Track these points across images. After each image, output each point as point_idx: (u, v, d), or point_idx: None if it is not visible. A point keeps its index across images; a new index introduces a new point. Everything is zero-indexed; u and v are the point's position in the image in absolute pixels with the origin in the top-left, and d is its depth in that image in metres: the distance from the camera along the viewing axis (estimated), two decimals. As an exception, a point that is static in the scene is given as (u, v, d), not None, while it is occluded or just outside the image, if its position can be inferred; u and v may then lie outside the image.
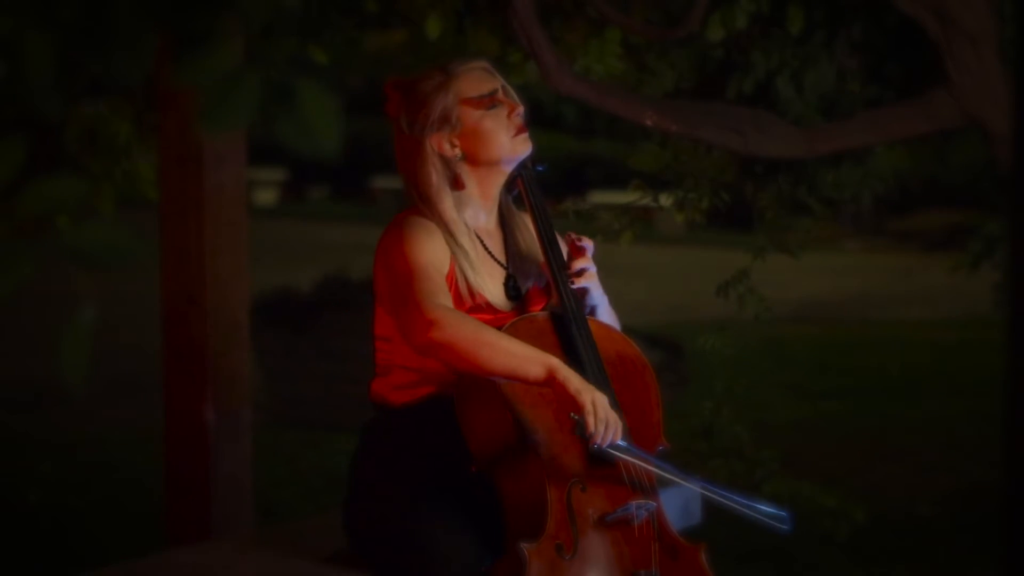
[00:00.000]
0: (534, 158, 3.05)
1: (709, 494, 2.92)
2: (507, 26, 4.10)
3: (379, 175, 21.17)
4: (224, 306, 4.13)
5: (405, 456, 2.92)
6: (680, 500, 3.42)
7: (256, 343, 6.16)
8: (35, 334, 5.32)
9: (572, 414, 2.75)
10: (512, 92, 2.99)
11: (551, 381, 2.72)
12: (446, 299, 2.79)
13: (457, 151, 2.92)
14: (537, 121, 3.18)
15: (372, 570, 2.92)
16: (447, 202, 2.92)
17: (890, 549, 5.90)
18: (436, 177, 2.92)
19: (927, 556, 5.88)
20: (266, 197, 22.18)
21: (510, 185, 3.04)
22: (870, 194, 4.61)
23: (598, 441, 2.74)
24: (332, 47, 4.71)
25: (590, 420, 2.71)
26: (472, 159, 2.93)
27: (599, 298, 3.02)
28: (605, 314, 3.04)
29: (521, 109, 2.96)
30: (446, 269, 2.87)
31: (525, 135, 2.96)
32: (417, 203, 2.95)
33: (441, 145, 2.92)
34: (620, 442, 2.79)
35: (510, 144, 2.94)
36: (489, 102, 2.92)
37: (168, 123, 4.15)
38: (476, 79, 2.94)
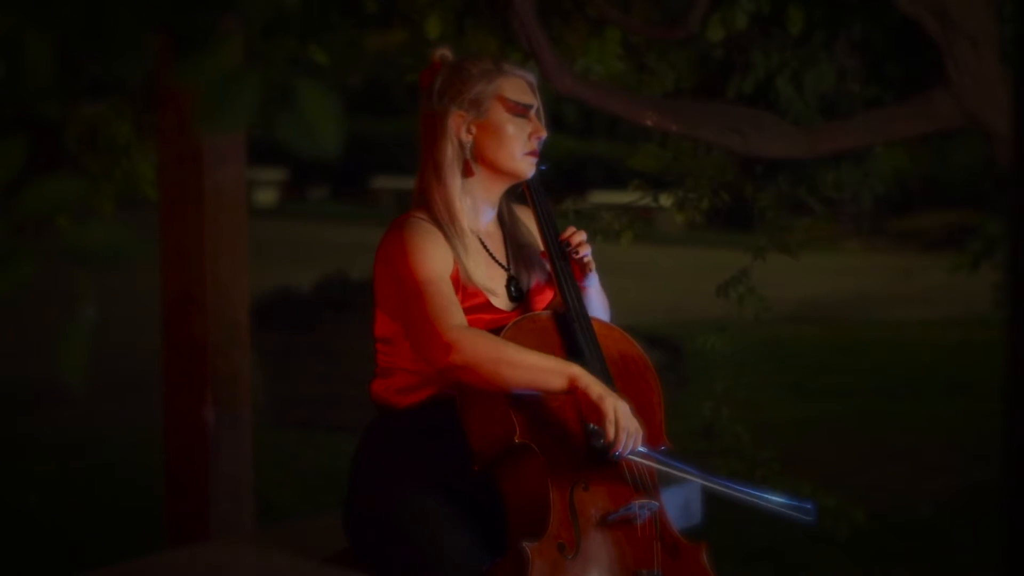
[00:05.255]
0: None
1: (733, 492, 2.89)
2: (507, 26, 4.10)
3: (379, 175, 21.15)
4: (224, 306, 4.13)
5: (405, 456, 2.92)
6: (681, 500, 3.42)
7: (256, 343, 6.15)
8: (35, 334, 5.32)
9: (590, 425, 2.73)
10: (543, 118, 3.00)
11: (573, 390, 2.73)
12: (458, 313, 2.79)
13: (471, 139, 2.93)
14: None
15: (372, 570, 2.92)
16: (455, 181, 2.93)
17: (890, 549, 5.90)
18: (451, 153, 2.93)
19: (927, 556, 5.88)
20: (266, 197, 22.18)
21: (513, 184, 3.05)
22: (870, 194, 4.61)
23: (619, 450, 2.73)
24: (332, 47, 4.71)
25: (610, 429, 2.71)
26: (480, 154, 2.93)
27: (592, 280, 3.03)
28: (596, 295, 3.04)
29: (544, 135, 2.97)
30: (451, 271, 2.86)
31: (535, 160, 2.97)
32: (419, 194, 2.95)
33: (459, 126, 2.93)
34: (640, 448, 2.77)
35: (520, 159, 2.95)
36: (521, 110, 2.94)
37: (168, 123, 4.15)
38: (520, 87, 2.97)
